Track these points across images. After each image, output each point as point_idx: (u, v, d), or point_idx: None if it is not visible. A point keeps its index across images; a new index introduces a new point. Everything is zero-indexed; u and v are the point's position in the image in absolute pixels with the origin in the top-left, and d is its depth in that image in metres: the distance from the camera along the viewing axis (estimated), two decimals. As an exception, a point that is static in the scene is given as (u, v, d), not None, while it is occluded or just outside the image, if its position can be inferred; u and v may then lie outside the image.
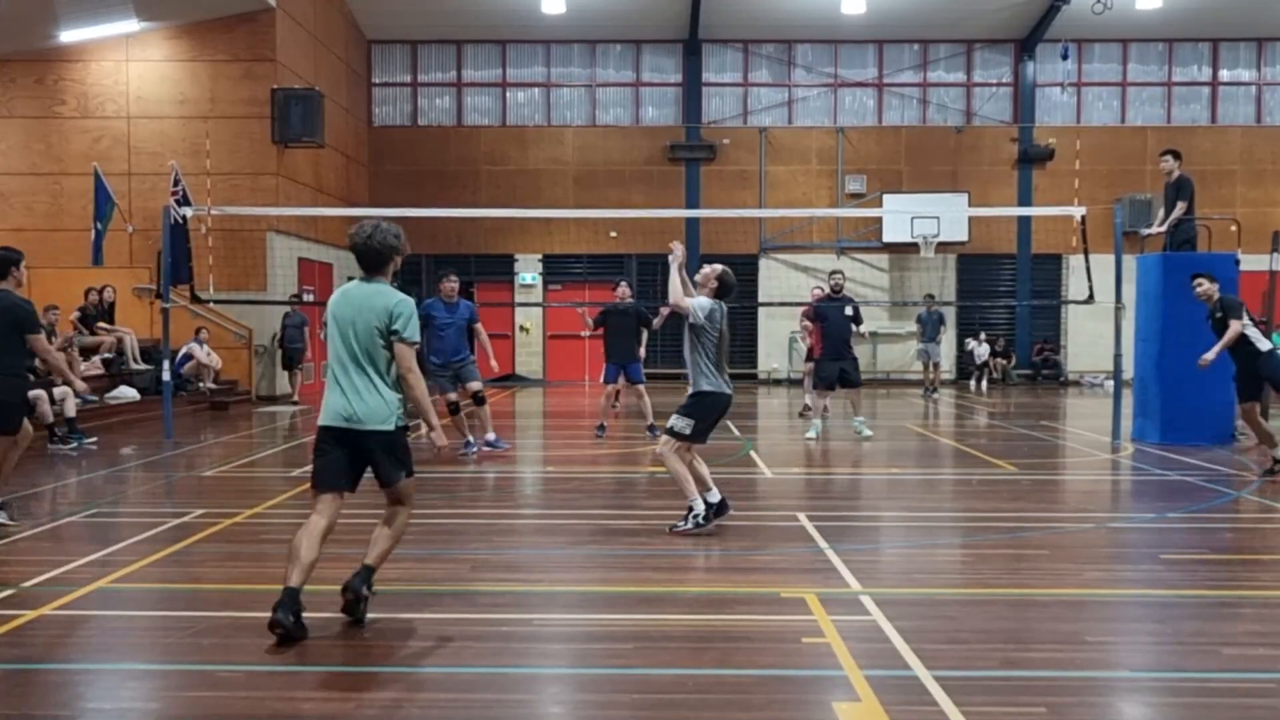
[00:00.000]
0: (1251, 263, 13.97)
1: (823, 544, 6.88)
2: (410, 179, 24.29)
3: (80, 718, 4.07)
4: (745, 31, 24.75)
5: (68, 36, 18.57)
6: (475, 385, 11.49)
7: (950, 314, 23.62)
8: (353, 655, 4.68)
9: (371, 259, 5.28)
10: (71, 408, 12.05)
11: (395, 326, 5.12)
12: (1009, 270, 25.01)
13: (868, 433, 12.76)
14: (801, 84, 25.27)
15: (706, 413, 7.37)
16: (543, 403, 19.42)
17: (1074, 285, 23.66)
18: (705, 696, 4.20)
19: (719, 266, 7.64)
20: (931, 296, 22.28)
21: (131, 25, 18.66)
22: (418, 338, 5.24)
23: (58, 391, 12.10)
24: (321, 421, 5.23)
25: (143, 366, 15.96)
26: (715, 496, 7.36)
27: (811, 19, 24.01)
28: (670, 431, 7.35)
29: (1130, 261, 13.78)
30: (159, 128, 18.97)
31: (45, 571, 6.07)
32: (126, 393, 15.26)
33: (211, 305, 17.25)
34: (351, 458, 5.22)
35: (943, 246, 23.70)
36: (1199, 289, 10.54)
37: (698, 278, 7.69)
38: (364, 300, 5.21)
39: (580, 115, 25.28)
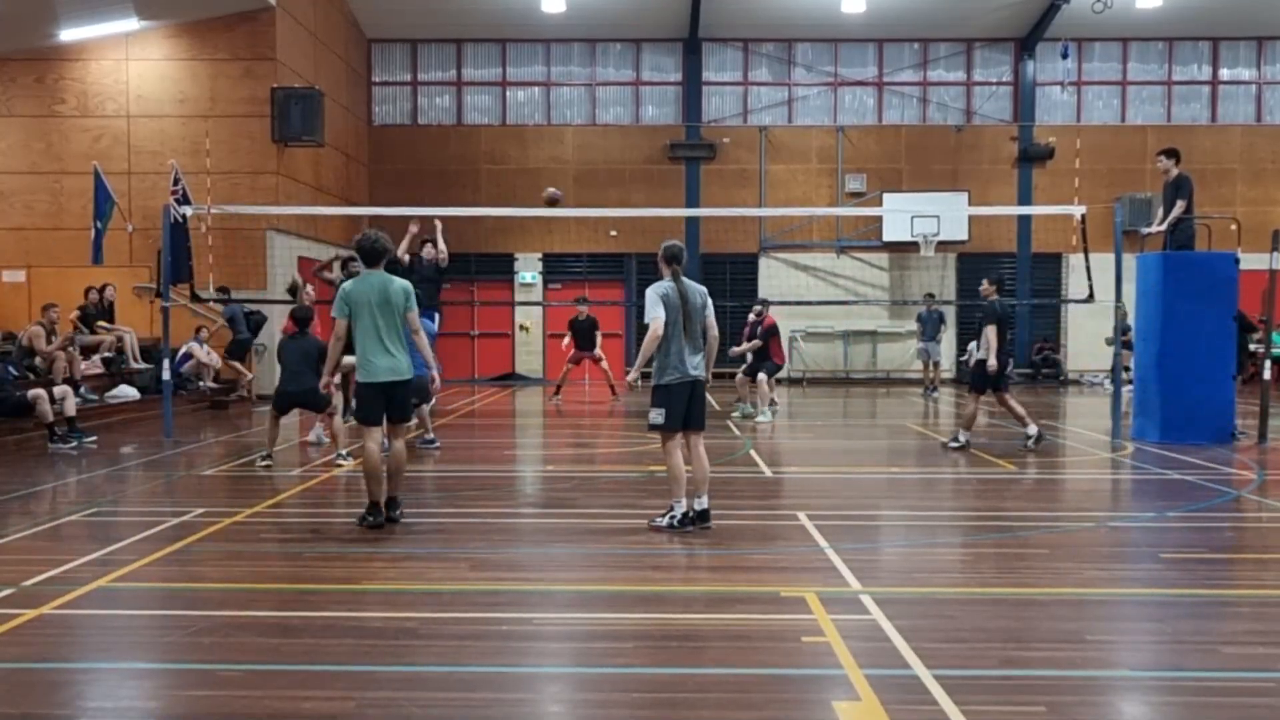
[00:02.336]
0: (1251, 262, 13.95)
1: (823, 543, 6.88)
2: (410, 178, 24.28)
3: (80, 717, 4.07)
4: (745, 30, 24.74)
5: (67, 35, 18.56)
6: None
7: (950, 313, 23.61)
8: (352, 654, 4.68)
9: (375, 256, 7.44)
10: (71, 407, 12.06)
11: (409, 302, 7.39)
12: (1009, 269, 24.98)
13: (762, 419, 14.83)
14: (801, 83, 25.25)
15: (672, 400, 7.26)
16: (542, 402, 19.42)
17: (1074, 284, 23.62)
18: (705, 695, 4.20)
19: (664, 245, 7.43)
20: (932, 295, 22.25)
21: (131, 24, 18.65)
22: (417, 307, 7.53)
23: (57, 391, 12.12)
24: (373, 380, 7.30)
25: (142, 365, 15.96)
26: (701, 504, 7.31)
27: (811, 18, 24.00)
28: (652, 427, 7.36)
29: (1130, 260, 13.78)
30: (159, 127, 18.97)
31: (45, 571, 6.07)
32: (126, 392, 15.26)
33: (211, 304, 17.24)
34: (386, 400, 7.39)
35: (943, 245, 23.68)
36: (980, 288, 11.95)
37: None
38: (384, 286, 7.34)
39: (580, 114, 25.26)
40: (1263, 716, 4.06)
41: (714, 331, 7.43)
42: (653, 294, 7.24)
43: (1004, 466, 10.58)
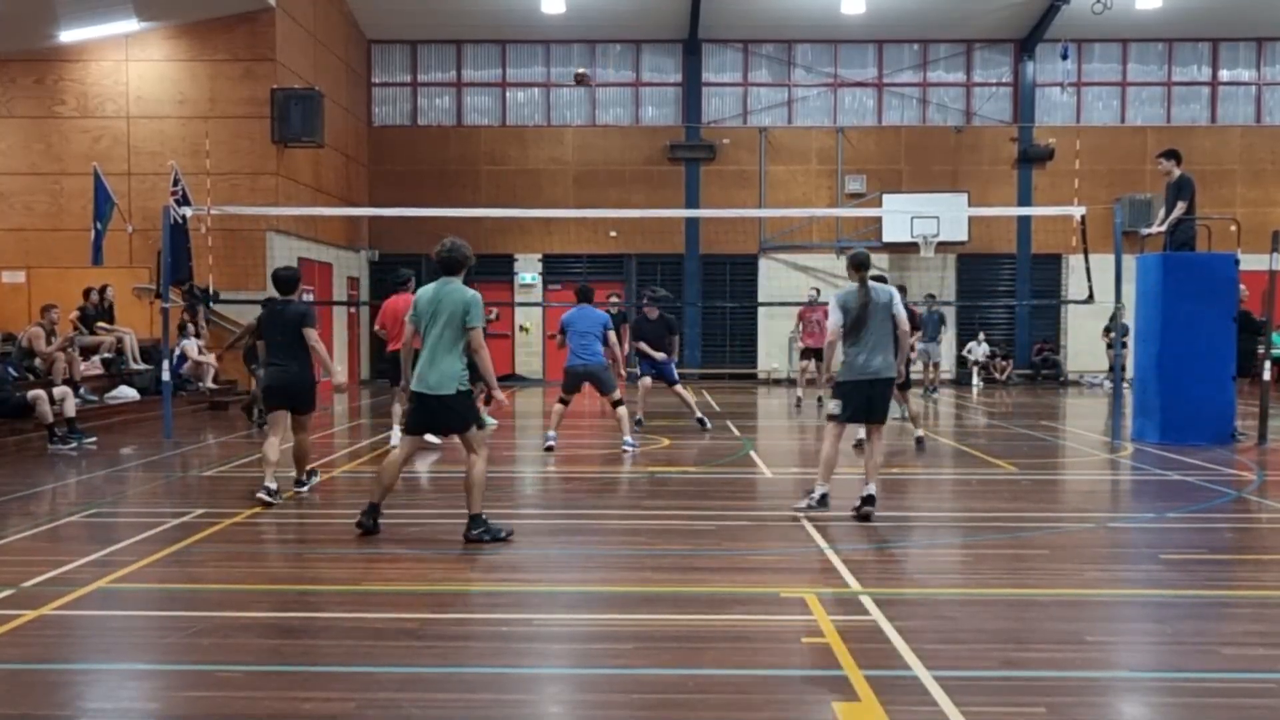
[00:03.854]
0: (1251, 262, 13.93)
1: (822, 544, 6.88)
2: (410, 179, 24.29)
3: (80, 718, 4.07)
4: (745, 31, 24.75)
5: (67, 36, 18.57)
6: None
7: (950, 314, 23.62)
8: (352, 655, 4.68)
9: (448, 265, 7.10)
10: (71, 408, 12.05)
11: (469, 317, 6.93)
12: (1009, 270, 25.01)
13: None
14: (801, 84, 25.26)
15: (849, 395, 7.69)
16: (542, 403, 19.41)
17: (1074, 285, 23.65)
18: (705, 696, 4.20)
19: (849, 253, 7.92)
20: (932, 296, 22.24)
21: (131, 25, 18.66)
22: (482, 323, 7.01)
23: (57, 392, 12.12)
24: (414, 389, 7.07)
25: (142, 366, 15.95)
26: (868, 490, 7.62)
27: (811, 19, 24.00)
28: (829, 417, 7.86)
29: (1130, 261, 13.79)
30: (159, 127, 18.97)
31: (45, 571, 6.07)
32: (126, 392, 15.25)
33: (211, 305, 17.24)
34: (430, 414, 7.10)
35: (942, 246, 23.69)
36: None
37: None
38: (443, 296, 7.01)
39: (580, 115, 25.27)
40: (1262, 718, 4.06)
41: (904, 327, 7.88)
42: (833, 301, 7.78)
43: (1004, 467, 10.58)
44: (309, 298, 20.34)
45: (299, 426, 8.64)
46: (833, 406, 7.80)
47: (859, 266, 7.73)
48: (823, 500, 7.70)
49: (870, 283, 7.69)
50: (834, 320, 7.70)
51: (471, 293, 7.03)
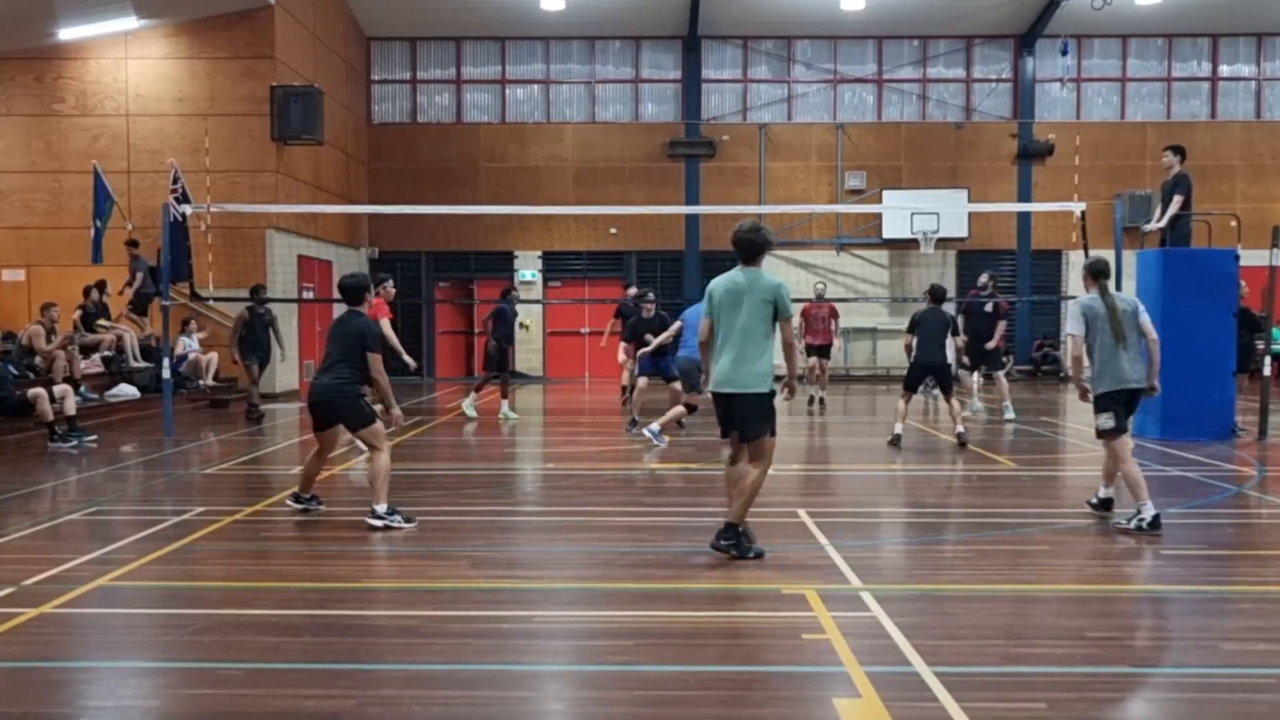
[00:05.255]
0: (1251, 258, 13.93)
1: (823, 540, 6.88)
2: (410, 176, 24.28)
3: (81, 716, 4.07)
4: (744, 27, 24.72)
5: (67, 34, 18.54)
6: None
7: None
8: (353, 652, 4.69)
9: (744, 249, 6.42)
10: (71, 406, 12.06)
11: (775, 307, 6.24)
12: (1009, 266, 24.98)
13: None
14: (801, 80, 25.24)
15: (1114, 404, 7.42)
16: (543, 400, 19.42)
17: (1074, 281, 23.64)
18: (705, 693, 4.20)
19: (1087, 261, 7.84)
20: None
21: (131, 23, 18.63)
22: (793, 314, 6.32)
23: (57, 390, 12.12)
24: (712, 388, 6.42)
25: (142, 364, 15.95)
26: (1108, 493, 7.67)
27: (811, 15, 23.98)
28: (1099, 433, 7.53)
29: (1130, 257, 13.78)
30: (158, 125, 18.95)
31: (45, 569, 6.07)
32: (126, 390, 15.26)
33: (211, 303, 17.24)
34: (730, 414, 6.39)
35: (942, 242, 23.68)
36: None
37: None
38: (751, 283, 6.30)
39: (580, 112, 25.25)
40: (1263, 713, 4.06)
41: (1152, 335, 7.61)
42: (1074, 308, 7.62)
43: (1004, 463, 10.58)
44: (308, 295, 20.38)
45: (367, 445, 7.71)
46: (1104, 420, 7.43)
47: (1099, 274, 7.61)
48: (1154, 522, 7.04)
49: (1113, 293, 7.56)
50: (1076, 328, 7.52)
51: (779, 279, 6.39)
